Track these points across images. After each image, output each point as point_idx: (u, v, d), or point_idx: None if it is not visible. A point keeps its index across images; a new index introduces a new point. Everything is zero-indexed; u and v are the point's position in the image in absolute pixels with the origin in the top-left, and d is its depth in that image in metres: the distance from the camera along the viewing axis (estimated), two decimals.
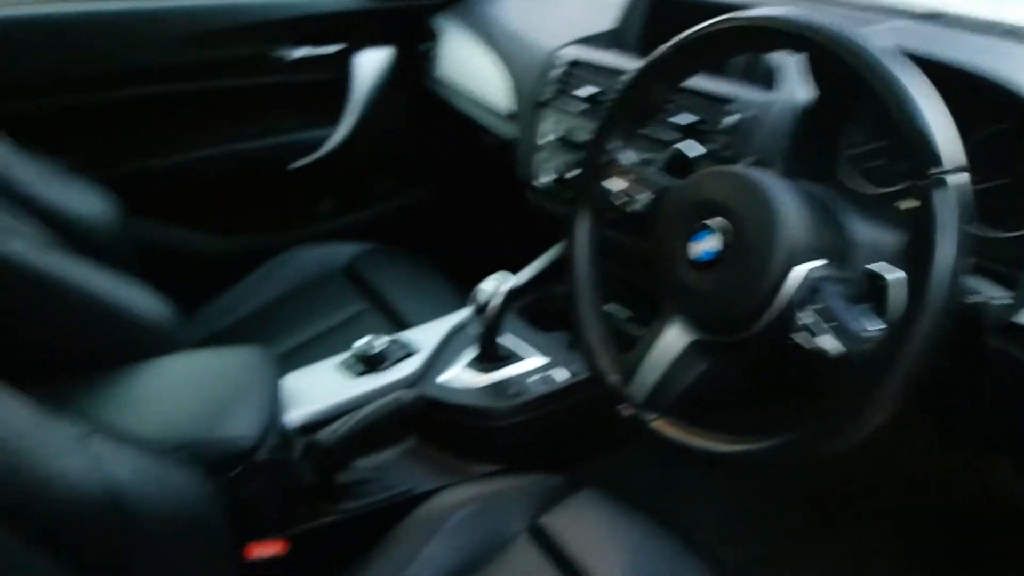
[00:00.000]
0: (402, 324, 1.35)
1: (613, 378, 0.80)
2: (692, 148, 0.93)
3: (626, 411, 0.78)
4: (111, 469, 0.68)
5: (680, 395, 0.75)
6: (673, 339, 0.76)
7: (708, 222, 0.72)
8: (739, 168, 0.76)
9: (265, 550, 0.90)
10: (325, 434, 0.95)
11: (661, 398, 0.76)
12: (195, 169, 1.54)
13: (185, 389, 0.94)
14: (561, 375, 1.07)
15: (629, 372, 0.79)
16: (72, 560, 0.63)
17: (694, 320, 0.75)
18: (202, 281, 1.49)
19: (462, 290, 1.45)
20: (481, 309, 1.03)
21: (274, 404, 0.96)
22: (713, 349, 0.74)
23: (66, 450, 0.65)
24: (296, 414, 1.00)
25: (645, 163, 0.85)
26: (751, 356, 0.74)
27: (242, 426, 0.89)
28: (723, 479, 1.22)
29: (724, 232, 0.71)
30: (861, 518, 1.26)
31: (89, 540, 0.64)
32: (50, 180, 1.09)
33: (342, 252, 1.59)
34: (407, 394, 0.99)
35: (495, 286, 1.02)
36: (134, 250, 1.41)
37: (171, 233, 1.56)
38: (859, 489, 1.29)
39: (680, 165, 0.92)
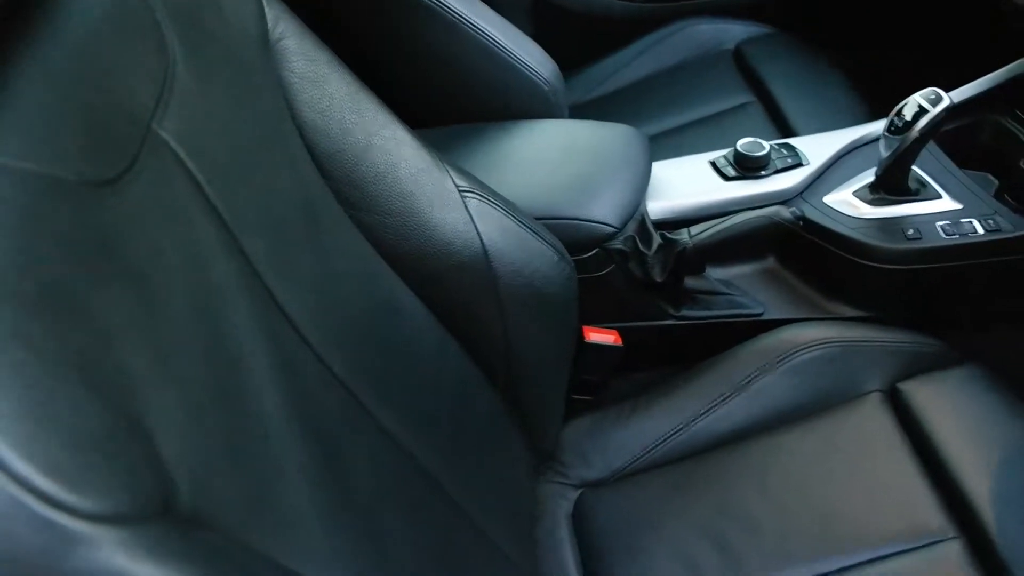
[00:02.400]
0: (786, 128, 1.21)
1: None
2: None
3: None
4: (484, 227, 0.68)
5: None
6: None
7: None
8: None
9: (601, 337, 0.90)
10: (687, 235, 0.88)
11: None
12: None
13: (557, 160, 0.92)
14: (976, 227, 0.88)
15: None
16: (443, 312, 0.66)
17: None
18: (581, 42, 1.44)
19: (867, 102, 1.25)
20: (901, 127, 0.85)
21: (641, 192, 0.91)
22: None
23: (449, 201, 0.66)
24: (658, 206, 0.94)
25: None
26: None
27: (606, 211, 0.86)
28: None
29: None
30: None
31: (460, 294, 0.67)
32: None
33: (733, 32, 1.44)
34: (785, 210, 0.89)
35: (925, 103, 0.83)
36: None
37: None
38: None
39: None
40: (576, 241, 0.84)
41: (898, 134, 0.86)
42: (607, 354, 0.91)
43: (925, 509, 0.77)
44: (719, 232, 0.88)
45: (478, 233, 0.67)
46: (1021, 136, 0.96)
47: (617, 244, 0.87)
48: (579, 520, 0.87)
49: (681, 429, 0.89)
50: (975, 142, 1.00)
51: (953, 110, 0.84)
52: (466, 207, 0.68)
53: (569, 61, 1.29)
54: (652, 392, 0.93)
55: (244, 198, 0.45)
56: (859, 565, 0.75)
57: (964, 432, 0.81)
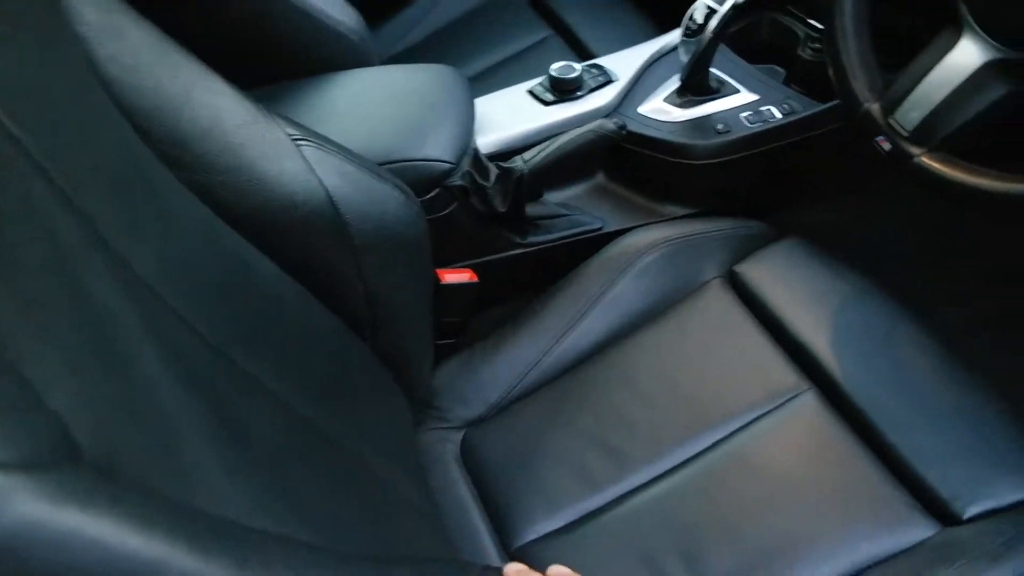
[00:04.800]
0: (587, 54, 1.25)
1: (872, 106, 0.69)
2: None
3: (884, 144, 0.68)
4: (324, 174, 0.66)
5: (960, 128, 0.64)
6: (962, 58, 0.64)
7: None
8: None
9: (456, 277, 0.90)
10: (521, 162, 0.90)
11: (934, 130, 0.65)
12: None
13: (381, 107, 0.90)
14: (775, 113, 0.96)
15: (894, 99, 0.68)
16: (298, 268, 0.63)
17: (998, 29, 0.62)
18: None
19: (654, 17, 1.32)
20: (696, 30, 0.91)
21: (469, 127, 0.91)
22: (1017, 71, 0.62)
23: (284, 151, 0.63)
24: (487, 140, 0.95)
25: None
26: None
27: (439, 148, 0.86)
28: (946, 236, 1.11)
29: None
30: None
31: (312, 247, 0.64)
32: None
33: None
34: (608, 122, 0.92)
35: (714, 3, 0.89)
36: None
37: None
38: None
39: None
40: (416, 182, 0.83)
41: (694, 36, 0.92)
42: (464, 292, 0.91)
43: (778, 372, 0.84)
44: (551, 153, 0.90)
45: (320, 181, 0.65)
46: (796, 29, 1.05)
47: (456, 181, 0.87)
48: (468, 458, 0.87)
49: (548, 351, 0.91)
50: (758, 39, 1.09)
51: (738, 7, 0.90)
52: (302, 155, 0.65)
53: (370, 14, 1.26)
54: (514, 322, 0.94)
55: (70, 159, 0.40)
56: (729, 436, 0.81)
57: (796, 296, 0.89)
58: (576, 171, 1.02)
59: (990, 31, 0.63)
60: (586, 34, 1.28)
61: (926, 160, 0.64)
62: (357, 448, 0.61)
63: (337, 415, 0.62)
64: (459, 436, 0.89)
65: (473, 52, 1.30)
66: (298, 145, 0.65)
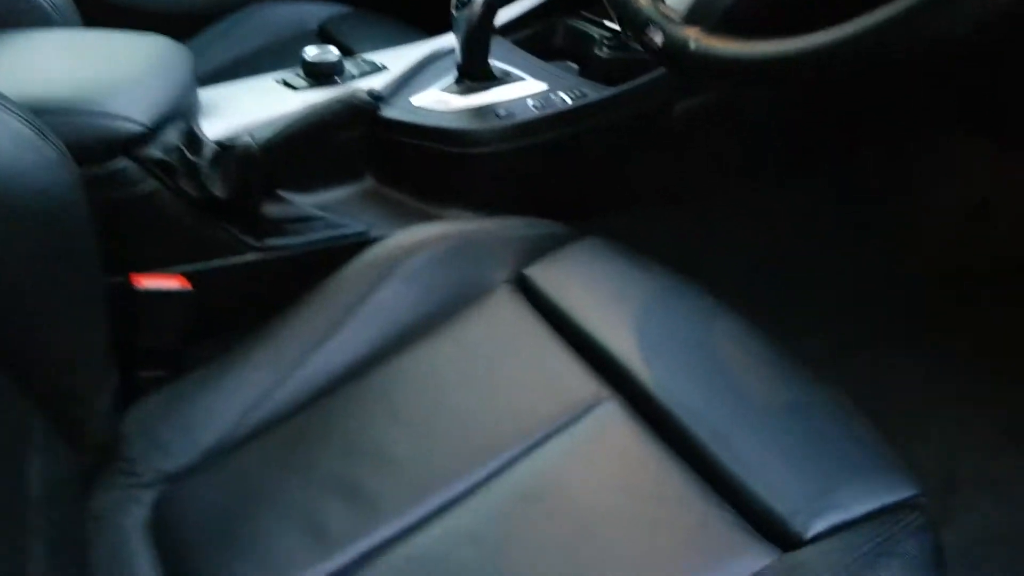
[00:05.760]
0: None
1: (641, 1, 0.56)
2: None
3: (656, 38, 0.54)
4: None
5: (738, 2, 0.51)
6: None
7: None
8: None
9: (158, 283, 0.69)
10: (248, 136, 0.71)
11: (709, 7, 0.52)
12: None
13: (72, 59, 0.71)
14: (564, 98, 0.83)
15: None
16: None
17: None
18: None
19: None
20: (465, 2, 0.77)
21: (180, 96, 0.72)
22: None
23: None
24: (215, 127, 0.76)
25: None
26: None
27: (128, 105, 0.66)
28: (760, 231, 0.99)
29: None
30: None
31: None
32: None
33: (312, 12, 1.34)
34: (361, 91, 0.76)
35: None
36: None
37: None
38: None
39: None
40: (90, 143, 0.63)
41: (464, 7, 0.79)
42: (172, 305, 0.69)
43: (576, 382, 0.65)
44: (289, 127, 0.72)
45: None
46: (591, 32, 0.95)
47: (155, 152, 0.67)
48: (160, 525, 0.62)
49: (287, 376, 0.69)
50: (552, 45, 0.98)
51: None
52: None
53: None
54: (244, 343, 0.72)
55: None
56: (513, 463, 0.61)
57: (596, 299, 0.72)
58: (338, 172, 0.84)
59: None
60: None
61: (704, 42, 0.51)
62: None
63: None
64: (152, 496, 0.64)
65: None
66: None
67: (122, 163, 0.65)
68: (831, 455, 0.58)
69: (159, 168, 0.67)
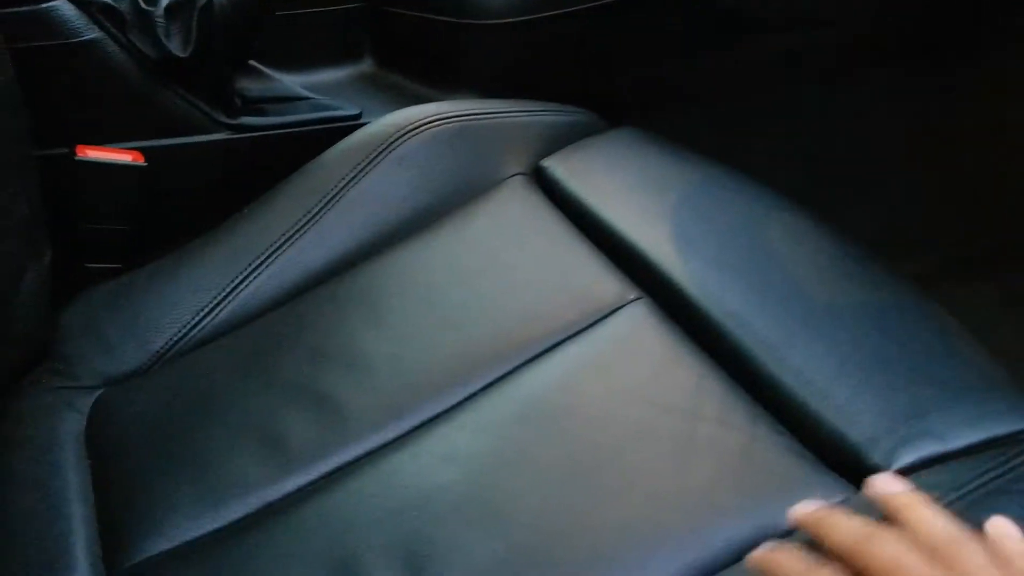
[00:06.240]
0: None
1: None
2: None
3: None
4: None
5: None
6: None
7: None
8: None
9: (106, 155, 0.58)
10: None
11: None
12: None
13: None
14: None
15: None
16: None
17: None
18: None
19: None
20: None
21: None
22: None
23: None
24: None
25: None
26: None
27: None
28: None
29: None
30: None
31: None
32: None
33: None
34: None
35: None
36: None
37: None
38: None
39: None
40: None
41: None
42: (121, 181, 0.59)
43: (598, 281, 0.54)
44: None
45: None
46: None
47: None
48: (96, 433, 0.52)
49: (253, 272, 0.59)
50: None
51: None
52: None
53: None
54: (207, 234, 0.61)
55: None
56: (517, 370, 0.49)
57: (626, 191, 0.60)
58: (332, 50, 0.72)
59: None
60: None
61: None
62: None
63: None
64: (90, 400, 0.54)
65: None
66: None
67: (58, 4, 0.54)
68: (921, 372, 0.45)
69: (103, 15, 0.56)
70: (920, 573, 0.28)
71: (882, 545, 0.29)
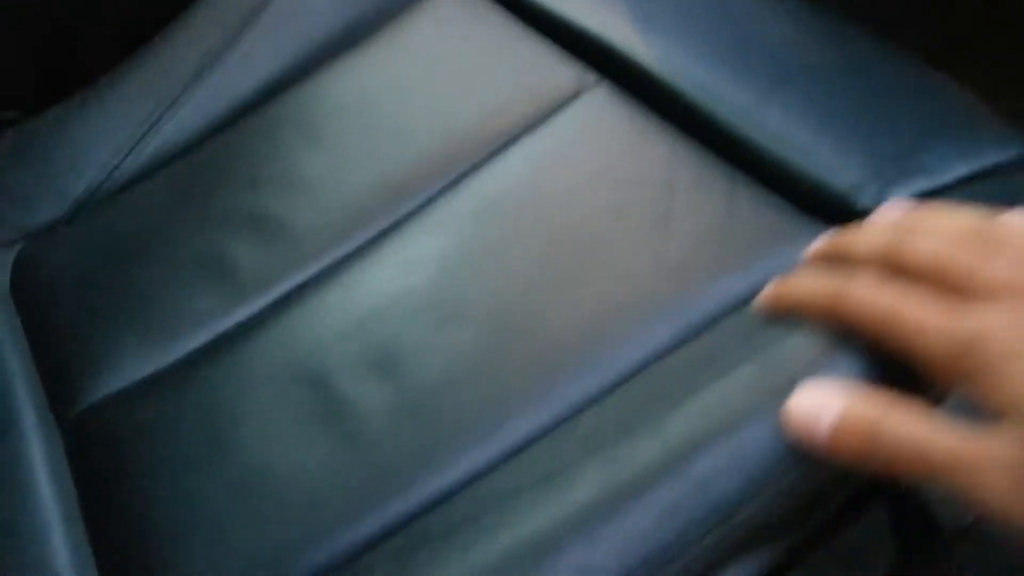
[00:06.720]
0: None
1: None
2: None
3: None
4: None
5: None
6: None
7: None
8: None
9: None
10: None
11: None
12: None
13: None
14: None
15: None
16: None
17: None
18: None
19: None
20: None
21: None
22: None
23: None
24: None
25: None
26: None
27: None
28: None
29: None
30: None
31: None
32: None
33: None
34: None
35: None
36: None
37: None
38: None
39: None
40: None
41: None
42: (12, 17, 0.52)
43: (551, 71, 0.49)
44: None
45: None
46: None
47: None
48: (22, 288, 0.48)
49: (176, 101, 0.53)
50: None
51: None
52: None
53: None
54: (118, 69, 0.55)
55: None
56: (471, 171, 0.45)
57: None
58: None
59: None
60: None
61: None
62: None
63: None
64: (10, 256, 0.49)
65: None
66: None
67: None
68: (904, 116, 0.43)
69: None
70: (965, 259, 0.25)
71: (918, 241, 0.27)
